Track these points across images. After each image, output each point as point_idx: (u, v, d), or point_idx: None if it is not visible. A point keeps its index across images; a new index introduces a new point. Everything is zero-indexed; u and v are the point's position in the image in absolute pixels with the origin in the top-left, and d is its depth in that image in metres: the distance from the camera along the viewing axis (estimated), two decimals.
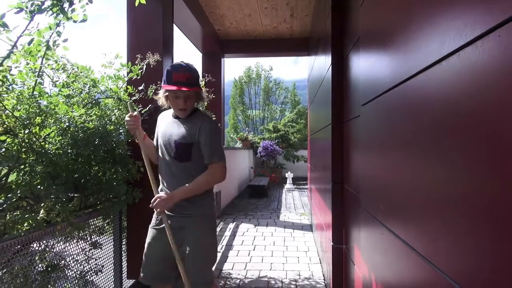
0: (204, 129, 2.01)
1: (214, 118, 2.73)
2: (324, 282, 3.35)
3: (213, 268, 2.13)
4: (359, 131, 2.01)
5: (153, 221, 2.13)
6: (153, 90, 2.83)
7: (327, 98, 2.98)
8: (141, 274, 2.08)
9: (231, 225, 5.66)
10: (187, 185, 1.97)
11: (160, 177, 2.13)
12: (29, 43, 1.98)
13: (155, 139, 2.22)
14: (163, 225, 2.03)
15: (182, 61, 2.01)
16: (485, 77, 0.68)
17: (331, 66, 2.77)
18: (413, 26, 1.06)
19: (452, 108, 0.82)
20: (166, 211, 2.03)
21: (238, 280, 3.42)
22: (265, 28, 5.95)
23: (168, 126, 2.10)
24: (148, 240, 2.10)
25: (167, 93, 1.98)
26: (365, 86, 1.73)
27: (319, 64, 3.90)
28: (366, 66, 1.72)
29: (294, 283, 3.36)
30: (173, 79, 1.91)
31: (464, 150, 0.76)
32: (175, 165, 2.03)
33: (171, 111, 2.15)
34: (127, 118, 2.08)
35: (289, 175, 10.82)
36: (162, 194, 1.98)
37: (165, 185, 2.08)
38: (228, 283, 3.36)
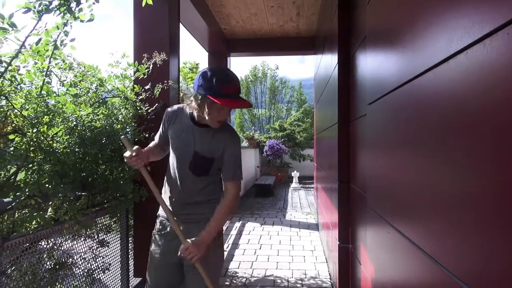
0: (232, 144, 1.87)
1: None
2: (330, 282, 3.34)
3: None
4: (366, 130, 2.00)
5: (157, 226, 1.99)
6: (159, 89, 2.84)
7: (333, 97, 2.97)
8: (147, 285, 1.94)
9: (237, 224, 5.67)
10: (212, 222, 1.80)
11: (166, 181, 1.96)
12: (37, 43, 2.00)
13: (161, 134, 1.99)
14: (166, 230, 1.92)
15: (226, 68, 1.79)
16: (493, 75, 0.67)
17: (337, 65, 2.76)
18: (420, 24, 1.05)
19: (459, 107, 0.81)
20: (167, 214, 1.88)
21: (244, 279, 3.42)
22: (271, 27, 5.94)
23: (186, 131, 1.87)
24: (152, 248, 1.96)
25: (211, 104, 1.70)
26: (372, 85, 1.72)
27: (326, 63, 3.88)
28: (372, 64, 1.72)
29: (300, 282, 3.36)
30: (223, 91, 1.69)
31: (471, 149, 0.76)
32: (187, 176, 1.87)
33: (186, 110, 1.90)
34: (127, 159, 1.78)
35: (295, 174, 10.81)
36: (189, 242, 1.75)
37: (170, 192, 1.92)
38: (234, 281, 3.37)
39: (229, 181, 1.87)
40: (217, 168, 1.89)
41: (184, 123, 1.89)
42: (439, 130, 0.92)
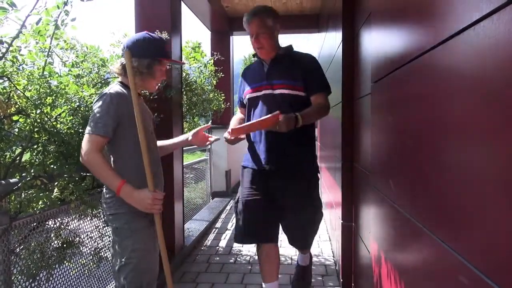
0: None
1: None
2: (333, 259, 3.39)
3: None
4: (370, 109, 1.99)
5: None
6: None
7: (337, 76, 2.94)
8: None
9: None
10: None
11: (134, 168, 1.72)
12: (37, 23, 1.97)
13: (124, 126, 1.68)
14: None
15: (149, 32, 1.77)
16: (502, 51, 0.66)
17: (341, 43, 2.72)
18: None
19: (466, 84, 0.80)
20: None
21: (249, 257, 3.48)
22: (274, 4, 5.83)
23: (141, 108, 1.74)
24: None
25: (164, 67, 1.77)
26: (377, 63, 1.70)
27: (330, 41, 3.83)
28: (377, 42, 1.69)
29: None
30: (169, 53, 1.75)
31: (480, 128, 0.75)
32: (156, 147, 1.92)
33: (124, 91, 1.70)
34: (152, 204, 1.61)
35: None
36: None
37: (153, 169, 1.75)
38: (239, 259, 3.42)
39: None
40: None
41: (136, 103, 1.67)
42: (446, 108, 0.91)
